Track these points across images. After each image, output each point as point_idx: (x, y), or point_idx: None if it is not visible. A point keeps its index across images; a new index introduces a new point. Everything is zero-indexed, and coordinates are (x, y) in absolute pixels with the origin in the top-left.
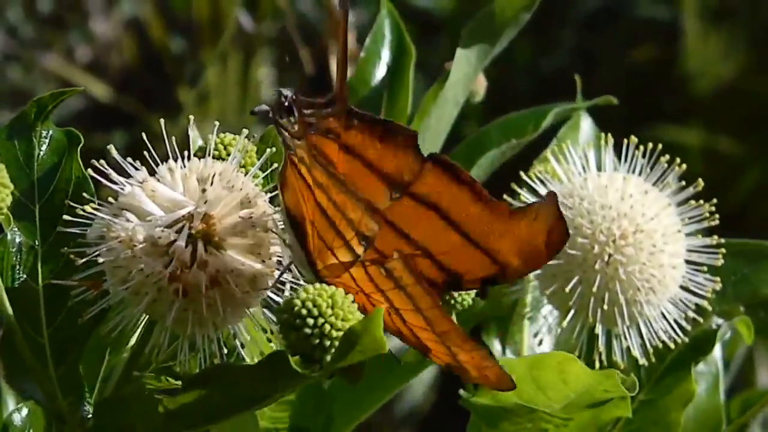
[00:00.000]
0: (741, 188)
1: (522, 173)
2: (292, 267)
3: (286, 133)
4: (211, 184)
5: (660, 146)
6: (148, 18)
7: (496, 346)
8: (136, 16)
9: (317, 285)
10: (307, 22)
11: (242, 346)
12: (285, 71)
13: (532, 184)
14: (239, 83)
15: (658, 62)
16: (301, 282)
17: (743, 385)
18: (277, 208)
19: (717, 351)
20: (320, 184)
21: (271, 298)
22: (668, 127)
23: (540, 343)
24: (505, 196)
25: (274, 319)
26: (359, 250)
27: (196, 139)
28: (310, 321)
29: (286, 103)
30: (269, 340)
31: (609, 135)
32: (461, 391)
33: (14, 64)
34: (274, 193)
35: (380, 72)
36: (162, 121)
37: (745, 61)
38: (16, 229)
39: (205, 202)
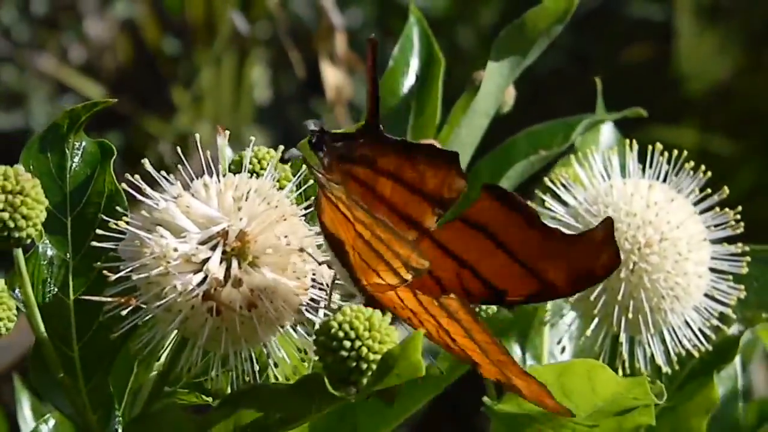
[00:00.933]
0: (735, 189)
1: (546, 179)
2: (325, 286)
3: (321, 176)
4: (247, 200)
5: (685, 153)
6: (142, 19)
7: (516, 351)
8: (130, 17)
9: (354, 307)
10: (302, 24)
11: (275, 365)
12: (279, 72)
13: (556, 190)
14: (233, 84)
15: (652, 62)
16: (337, 301)
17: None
18: (313, 227)
19: (736, 356)
20: (362, 222)
21: (305, 317)
22: (662, 128)
23: (563, 350)
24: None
25: (308, 338)
26: (407, 276)
27: (224, 149)
28: (347, 344)
29: (314, 139)
30: (303, 360)
31: (633, 141)
32: (484, 398)
33: (8, 65)
34: (309, 210)
35: (409, 81)
36: (197, 135)
37: (739, 61)
38: (47, 241)
39: (240, 219)
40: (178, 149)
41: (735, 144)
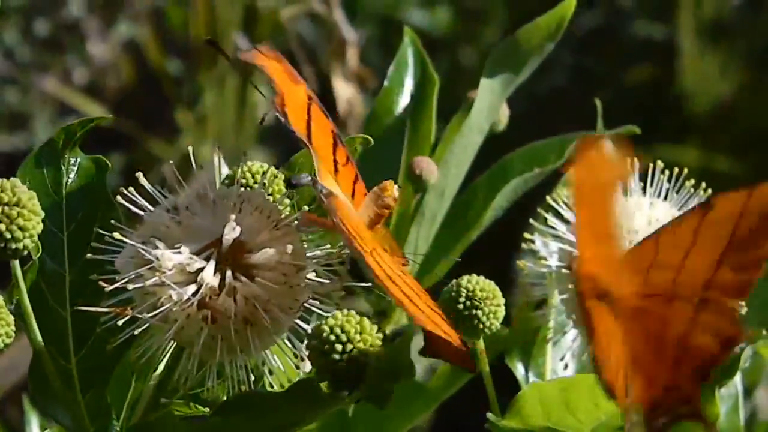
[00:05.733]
0: None
1: (548, 197)
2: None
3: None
4: (240, 211)
5: (686, 171)
6: (145, 40)
7: (519, 370)
8: (133, 38)
9: (345, 311)
10: (307, 44)
11: (270, 372)
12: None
13: (558, 208)
14: (237, 104)
15: (655, 82)
16: (329, 309)
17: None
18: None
19: (737, 372)
20: None
21: (299, 326)
22: (665, 147)
23: (565, 367)
24: (531, 221)
25: (302, 347)
26: None
27: (218, 165)
28: (339, 347)
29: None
30: (297, 367)
31: (635, 159)
32: (489, 414)
33: (11, 86)
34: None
35: (404, 100)
36: (190, 148)
37: (742, 80)
38: (44, 255)
39: (234, 229)
40: (171, 164)
41: (738, 162)
